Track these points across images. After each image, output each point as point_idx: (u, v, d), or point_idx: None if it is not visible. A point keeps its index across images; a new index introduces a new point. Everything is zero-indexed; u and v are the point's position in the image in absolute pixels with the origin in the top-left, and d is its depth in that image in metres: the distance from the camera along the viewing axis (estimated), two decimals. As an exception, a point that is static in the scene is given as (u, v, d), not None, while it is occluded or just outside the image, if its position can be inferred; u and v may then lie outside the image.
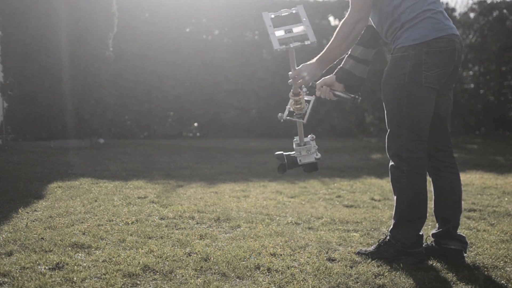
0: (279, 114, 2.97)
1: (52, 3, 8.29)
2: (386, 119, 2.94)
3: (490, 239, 3.46)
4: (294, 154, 2.98)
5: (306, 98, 2.98)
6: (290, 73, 2.89)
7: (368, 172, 6.72)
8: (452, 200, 3.03)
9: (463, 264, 2.93)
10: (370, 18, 3.02)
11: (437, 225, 3.08)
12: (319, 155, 2.97)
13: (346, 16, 2.88)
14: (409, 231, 2.92)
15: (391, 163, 2.95)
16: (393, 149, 2.91)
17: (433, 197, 3.09)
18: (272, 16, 2.82)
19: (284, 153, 2.98)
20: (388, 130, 2.93)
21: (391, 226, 3.00)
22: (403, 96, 2.81)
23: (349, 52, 3.01)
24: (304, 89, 2.97)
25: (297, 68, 2.90)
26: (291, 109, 2.97)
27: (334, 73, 3.06)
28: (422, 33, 2.78)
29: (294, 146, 2.99)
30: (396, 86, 2.83)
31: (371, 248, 3.06)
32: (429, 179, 3.09)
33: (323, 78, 3.06)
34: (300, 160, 2.96)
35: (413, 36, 2.78)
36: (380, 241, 3.07)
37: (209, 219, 3.87)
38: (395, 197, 2.97)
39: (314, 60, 2.96)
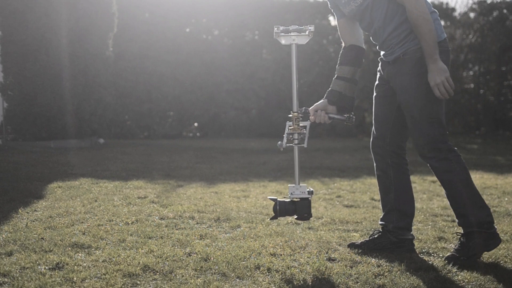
0: (279, 142, 2.99)
1: (52, 3, 8.29)
2: (409, 119, 2.99)
3: (490, 239, 3.46)
4: (287, 197, 3.01)
5: (301, 124, 3.01)
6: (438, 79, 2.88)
7: (368, 172, 6.72)
8: (411, 195, 3.23)
9: (414, 252, 3.11)
10: (360, 24, 3.10)
11: (393, 218, 3.18)
12: (312, 189, 3.01)
13: (415, 12, 2.84)
14: (482, 207, 2.97)
15: (430, 161, 2.98)
16: (430, 145, 2.95)
17: (394, 192, 3.20)
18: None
19: (278, 199, 2.99)
20: (414, 130, 2.98)
21: (460, 219, 3.00)
22: (430, 91, 2.89)
23: (337, 74, 3.12)
24: (300, 114, 3.01)
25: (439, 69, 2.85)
26: (290, 133, 2.98)
27: (325, 97, 3.13)
28: (436, 33, 2.88)
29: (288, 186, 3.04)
30: (421, 83, 2.91)
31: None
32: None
33: (315, 104, 3.13)
34: (292, 197, 2.98)
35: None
36: (374, 232, 3.22)
37: (209, 219, 3.88)
38: (448, 191, 2.99)
39: (432, 62, 2.88)
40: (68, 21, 8.41)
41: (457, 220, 3.06)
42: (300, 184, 3.00)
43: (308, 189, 2.99)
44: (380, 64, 3.19)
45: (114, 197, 4.56)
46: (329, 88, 3.13)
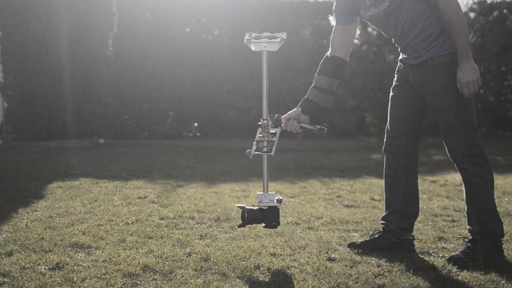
0: (247, 150, 2.99)
1: (52, 3, 8.28)
2: (444, 125, 2.99)
3: (490, 239, 3.46)
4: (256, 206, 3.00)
5: (272, 131, 3.00)
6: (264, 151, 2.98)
7: (368, 172, 6.72)
8: (417, 197, 3.25)
9: (415, 252, 3.13)
10: (383, 29, 3.08)
11: (396, 219, 3.19)
12: (280, 198, 3.00)
13: (450, 9, 2.85)
14: (498, 220, 3.02)
15: (463, 165, 2.99)
16: (464, 150, 2.97)
17: (401, 193, 3.20)
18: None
19: (246, 207, 2.99)
20: (449, 135, 2.99)
21: (474, 225, 3.01)
22: (462, 97, 2.93)
23: (314, 83, 3.08)
24: (270, 122, 3.00)
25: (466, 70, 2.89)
26: (259, 140, 2.98)
27: (299, 105, 3.10)
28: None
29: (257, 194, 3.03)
30: (455, 88, 2.92)
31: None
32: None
33: (288, 112, 3.11)
34: (261, 205, 2.97)
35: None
36: (374, 233, 3.23)
37: (209, 219, 3.88)
38: (473, 195, 3.00)
39: (466, 60, 2.92)
40: (68, 21, 8.40)
41: (468, 227, 3.06)
42: (269, 192, 2.99)
43: (277, 198, 2.99)
44: (400, 66, 3.15)
45: (114, 197, 4.56)
46: (305, 97, 3.10)
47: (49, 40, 8.32)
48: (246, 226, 3.05)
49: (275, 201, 2.97)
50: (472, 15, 13.83)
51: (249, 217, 2.96)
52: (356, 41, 13.18)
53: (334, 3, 3.14)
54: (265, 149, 2.99)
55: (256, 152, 3.00)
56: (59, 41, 8.36)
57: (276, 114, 3.05)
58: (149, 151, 8.62)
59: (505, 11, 13.55)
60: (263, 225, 3.00)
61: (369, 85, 12.59)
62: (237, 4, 12.24)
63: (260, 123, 3.00)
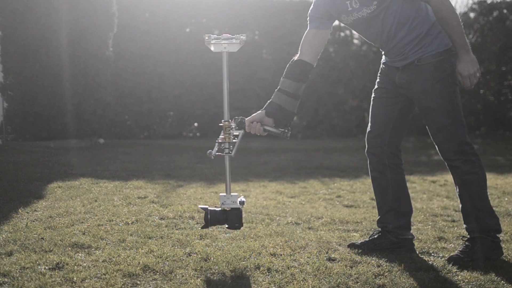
0: (209, 151, 3.01)
1: (52, 3, 8.28)
2: (433, 125, 3.01)
3: (490, 239, 3.46)
4: (218, 207, 3.00)
5: (235, 133, 3.02)
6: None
7: (368, 172, 6.70)
8: (408, 194, 3.27)
9: (414, 252, 3.13)
10: (365, 33, 3.10)
11: (392, 219, 3.19)
12: (243, 199, 3.01)
13: (443, 7, 2.86)
14: (494, 215, 3.04)
15: (455, 162, 3.02)
16: (454, 148, 2.99)
17: (391, 192, 3.21)
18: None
19: (209, 208, 2.98)
20: (439, 134, 3.01)
21: (470, 224, 3.03)
22: (451, 95, 2.95)
23: (279, 86, 3.09)
24: (233, 124, 3.03)
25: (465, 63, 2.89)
26: (221, 142, 2.99)
27: (263, 108, 3.11)
28: (447, 39, 2.94)
29: (219, 195, 3.03)
30: (443, 87, 2.95)
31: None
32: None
33: (252, 115, 3.13)
34: (224, 206, 2.97)
35: (444, 42, 2.95)
36: (374, 233, 3.24)
37: (209, 219, 3.87)
38: (467, 192, 3.02)
39: (465, 53, 2.91)
40: (68, 21, 8.39)
41: (465, 225, 3.07)
42: (231, 194, 3.00)
43: (239, 199, 2.98)
44: (383, 69, 3.17)
45: (114, 197, 4.56)
46: (270, 100, 3.10)
47: (49, 40, 8.31)
48: (210, 227, 3.06)
49: (238, 202, 2.96)
50: (472, 15, 13.83)
51: (212, 218, 2.95)
52: (356, 41, 13.18)
53: (312, 7, 3.15)
54: (226, 150, 2.99)
55: (217, 153, 3.00)
56: (59, 41, 8.35)
57: (240, 117, 3.08)
58: (149, 151, 8.62)
59: (505, 11, 13.55)
60: (227, 226, 2.99)
61: (369, 85, 12.55)
62: (237, 4, 12.23)
63: (221, 124, 3.01)
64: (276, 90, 3.09)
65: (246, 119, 3.09)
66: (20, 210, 3.91)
